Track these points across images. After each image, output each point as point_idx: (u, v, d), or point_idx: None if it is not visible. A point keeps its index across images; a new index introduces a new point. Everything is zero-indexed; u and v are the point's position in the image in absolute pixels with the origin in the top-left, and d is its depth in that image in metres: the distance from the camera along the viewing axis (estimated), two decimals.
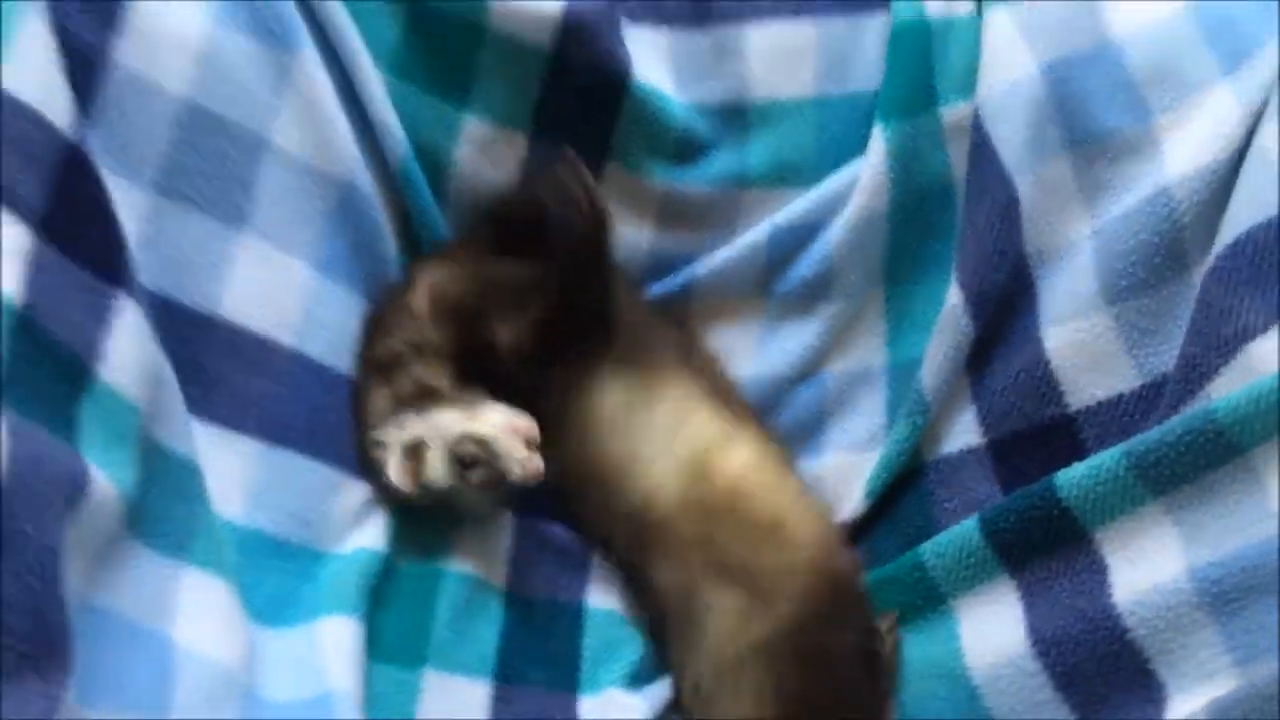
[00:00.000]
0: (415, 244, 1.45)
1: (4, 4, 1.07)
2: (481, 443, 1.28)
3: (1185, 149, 1.32)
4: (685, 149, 1.53)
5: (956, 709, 1.28)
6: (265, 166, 1.31)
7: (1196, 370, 1.23)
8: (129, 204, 1.20)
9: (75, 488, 0.97)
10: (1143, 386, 1.33)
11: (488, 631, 1.34)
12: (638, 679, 1.34)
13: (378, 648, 1.26)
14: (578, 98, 1.47)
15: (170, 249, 1.25)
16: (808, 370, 1.54)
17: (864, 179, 1.48)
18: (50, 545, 0.91)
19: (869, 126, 1.49)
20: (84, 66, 1.17)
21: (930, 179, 1.48)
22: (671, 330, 1.48)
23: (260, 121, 1.30)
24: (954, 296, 1.41)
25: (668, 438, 1.35)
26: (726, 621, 1.28)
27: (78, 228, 1.09)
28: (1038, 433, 1.38)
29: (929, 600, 1.34)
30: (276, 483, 1.28)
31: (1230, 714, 1.05)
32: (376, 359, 1.37)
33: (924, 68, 1.47)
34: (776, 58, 1.53)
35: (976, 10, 1.47)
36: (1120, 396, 1.33)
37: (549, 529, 1.42)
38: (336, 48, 1.37)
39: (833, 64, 1.53)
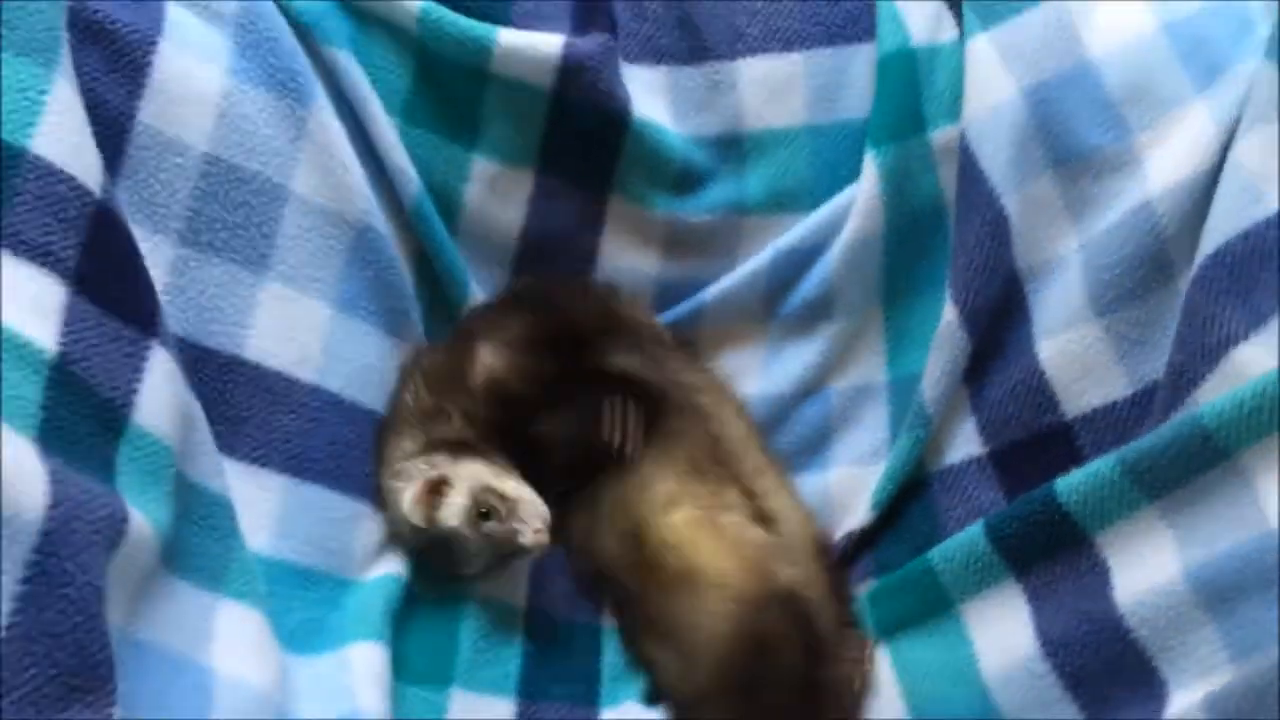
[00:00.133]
0: (432, 279, 1.51)
1: (33, 71, 1.13)
2: (505, 500, 1.33)
3: (1165, 164, 1.36)
4: (685, 180, 1.59)
5: (970, 711, 1.31)
6: (285, 213, 1.37)
7: (1184, 377, 1.27)
8: (156, 255, 1.26)
9: (115, 528, 1.02)
10: (1134, 394, 1.37)
11: (510, 651, 1.40)
12: (655, 695, 1.38)
13: (405, 670, 1.31)
14: (580, 134, 1.53)
15: (196, 296, 1.31)
16: (811, 388, 1.59)
17: (859, 202, 1.53)
18: (93, 583, 0.96)
19: (861, 152, 1.55)
20: (111, 127, 1.24)
21: (922, 200, 1.53)
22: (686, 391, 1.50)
23: (279, 171, 1.37)
24: (949, 313, 1.46)
25: (622, 507, 1.41)
26: (668, 675, 1.36)
27: (109, 281, 1.15)
28: (1036, 441, 1.42)
29: (939, 605, 1.38)
30: (302, 514, 1.34)
31: (1226, 707, 1.08)
32: (420, 407, 1.41)
33: (911, 94, 1.52)
34: (768, 89, 1.59)
35: (959, 37, 1.52)
36: (1114, 404, 1.38)
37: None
38: (349, 97, 1.44)
39: (822, 93, 1.59)
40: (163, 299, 1.22)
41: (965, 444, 1.47)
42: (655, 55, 1.59)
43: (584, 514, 1.42)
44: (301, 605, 1.30)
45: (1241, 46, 1.36)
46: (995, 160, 1.44)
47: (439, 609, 1.38)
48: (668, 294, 1.62)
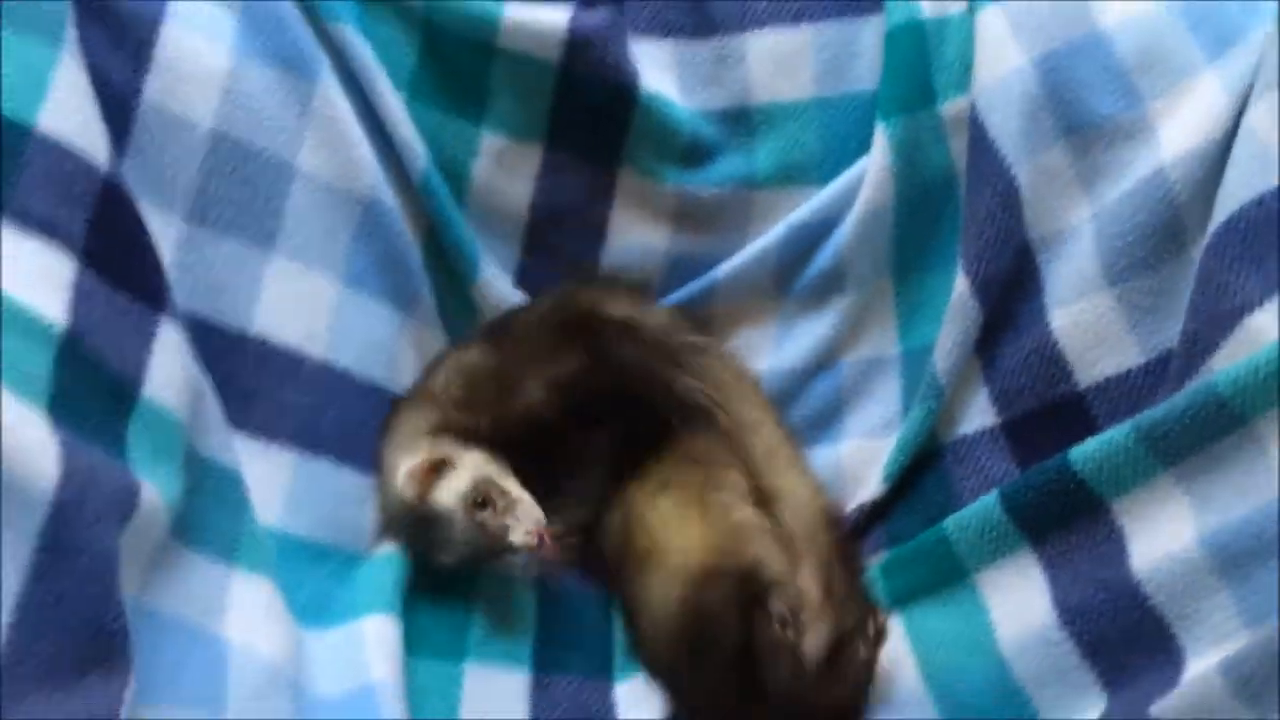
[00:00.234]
0: (440, 255, 1.51)
1: (40, 50, 1.13)
2: (504, 495, 1.32)
3: (1178, 132, 1.35)
4: (694, 153, 1.59)
5: (987, 680, 1.31)
6: (292, 189, 1.37)
7: (1198, 345, 1.27)
8: (164, 233, 1.27)
9: (127, 500, 1.02)
10: (1148, 362, 1.36)
11: (524, 624, 1.40)
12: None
13: (420, 644, 1.31)
14: (588, 108, 1.53)
15: (204, 273, 1.31)
16: (824, 361, 1.59)
17: (869, 175, 1.53)
18: (106, 554, 0.97)
19: (870, 125, 1.54)
20: (117, 104, 1.24)
21: (933, 172, 1.52)
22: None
23: (285, 147, 1.37)
24: (961, 284, 1.45)
25: (620, 496, 1.43)
26: (641, 652, 1.38)
27: (117, 256, 1.15)
28: (1050, 411, 1.42)
29: (953, 575, 1.37)
30: (311, 490, 1.35)
31: (1241, 670, 1.07)
32: (450, 396, 1.41)
33: (921, 66, 1.51)
34: (776, 62, 1.58)
35: (968, 9, 1.51)
36: (1128, 373, 1.37)
37: None
38: (355, 73, 1.43)
39: (831, 66, 1.59)
40: (170, 276, 1.22)
41: (978, 415, 1.47)
42: (663, 29, 1.59)
43: (588, 509, 1.44)
44: (312, 580, 1.31)
45: (1252, 15, 1.35)
46: (1006, 130, 1.43)
47: (452, 583, 1.38)
48: (679, 269, 1.62)
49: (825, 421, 1.58)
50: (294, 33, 1.38)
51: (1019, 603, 1.32)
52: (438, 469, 1.32)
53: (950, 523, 1.38)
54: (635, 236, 1.60)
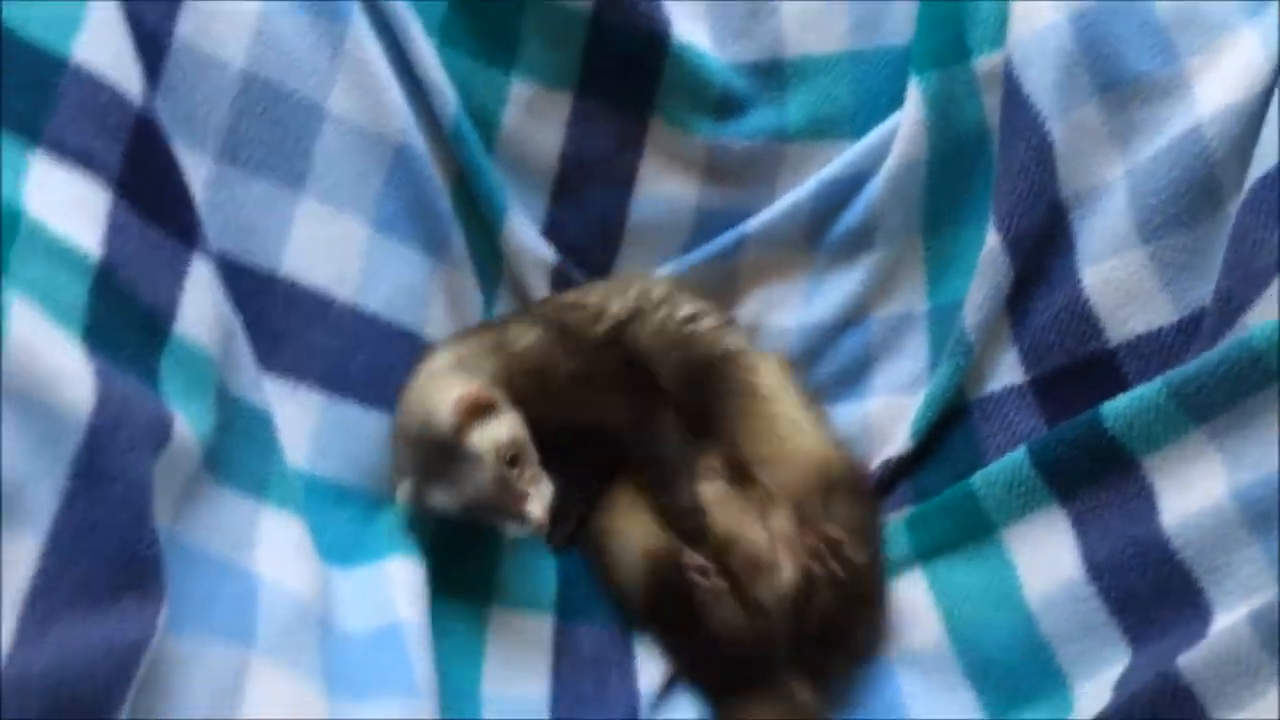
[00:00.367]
0: (469, 202, 1.50)
1: None
2: (533, 466, 1.29)
3: (1215, 89, 1.34)
4: (725, 105, 1.57)
5: (1012, 635, 1.31)
6: (322, 131, 1.36)
7: (1232, 302, 1.26)
8: (195, 171, 1.26)
9: (161, 429, 1.02)
10: (1181, 320, 1.35)
11: (548, 572, 1.40)
12: None
13: (446, 587, 1.31)
14: (620, 57, 1.52)
15: (234, 213, 1.30)
16: (852, 317, 1.58)
17: (903, 129, 1.52)
18: (140, 481, 0.97)
19: (903, 79, 1.53)
20: (150, 42, 1.23)
21: (966, 127, 1.51)
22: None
23: (316, 89, 1.36)
24: (992, 239, 1.44)
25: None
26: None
27: (151, 191, 1.15)
28: (1080, 368, 1.41)
29: (980, 529, 1.37)
30: (338, 433, 1.34)
31: (1269, 619, 1.08)
32: (521, 360, 1.38)
33: (955, 20, 1.50)
34: (809, 15, 1.58)
35: None
36: (1159, 330, 1.36)
37: None
38: (387, 18, 1.42)
39: (864, 20, 1.58)
40: (201, 215, 1.22)
41: (1006, 372, 1.46)
42: None
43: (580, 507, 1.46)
44: (338, 521, 1.30)
45: None
46: (1041, 85, 1.42)
47: (478, 528, 1.38)
48: (707, 222, 1.61)
49: (853, 377, 1.58)
50: None
51: (1046, 558, 1.32)
52: (485, 410, 1.28)
53: (978, 478, 1.38)
54: (664, 188, 1.58)
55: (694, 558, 1.34)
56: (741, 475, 1.42)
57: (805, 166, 1.59)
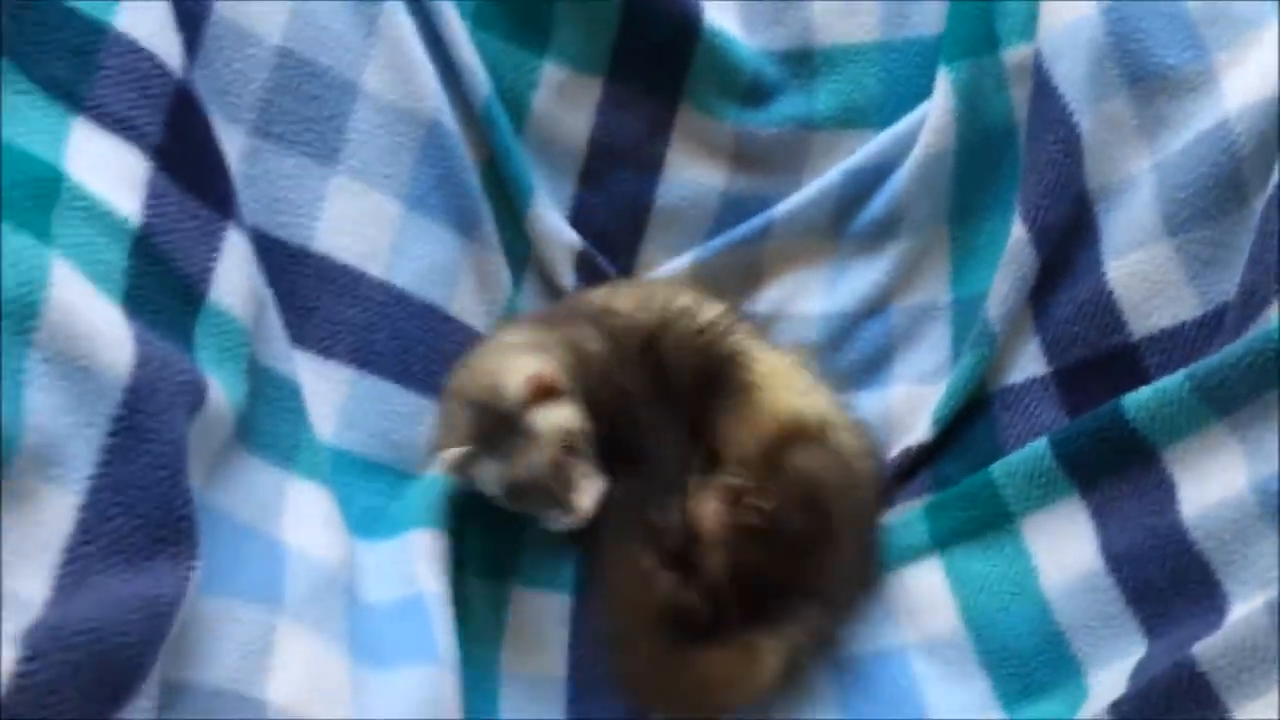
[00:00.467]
0: (497, 184, 1.51)
1: None
2: (588, 460, 1.28)
3: (1243, 84, 1.35)
4: (754, 92, 1.59)
5: (1028, 623, 1.32)
6: (356, 108, 1.38)
7: (1256, 296, 1.27)
8: (229, 144, 1.27)
9: (196, 392, 1.04)
10: (1204, 314, 1.36)
11: (567, 552, 1.40)
12: None
13: (470, 563, 1.33)
14: (651, 43, 1.54)
15: (267, 187, 1.32)
16: (875, 306, 1.59)
17: (931, 119, 1.53)
18: (176, 441, 0.99)
19: (931, 70, 1.54)
20: (188, 15, 1.24)
21: (994, 119, 1.52)
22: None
23: (350, 67, 1.38)
24: (1018, 230, 1.44)
25: None
26: None
27: (189, 160, 1.17)
28: (1102, 361, 1.41)
29: (998, 518, 1.38)
30: (366, 406, 1.36)
31: None
32: (593, 362, 1.36)
33: (985, 12, 1.50)
34: (840, 5, 1.59)
35: None
36: (1183, 324, 1.37)
37: None
38: None
39: (894, 10, 1.59)
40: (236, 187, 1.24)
41: (1029, 363, 1.47)
42: None
43: None
44: (364, 494, 1.32)
45: None
46: (1070, 78, 1.42)
47: (500, 507, 1.39)
48: (733, 208, 1.62)
49: (875, 366, 1.58)
50: None
51: (1064, 548, 1.33)
52: (553, 394, 1.27)
53: (998, 467, 1.39)
54: (692, 173, 1.60)
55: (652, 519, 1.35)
56: (715, 461, 1.41)
57: (832, 155, 1.60)
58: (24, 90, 1.06)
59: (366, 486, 1.33)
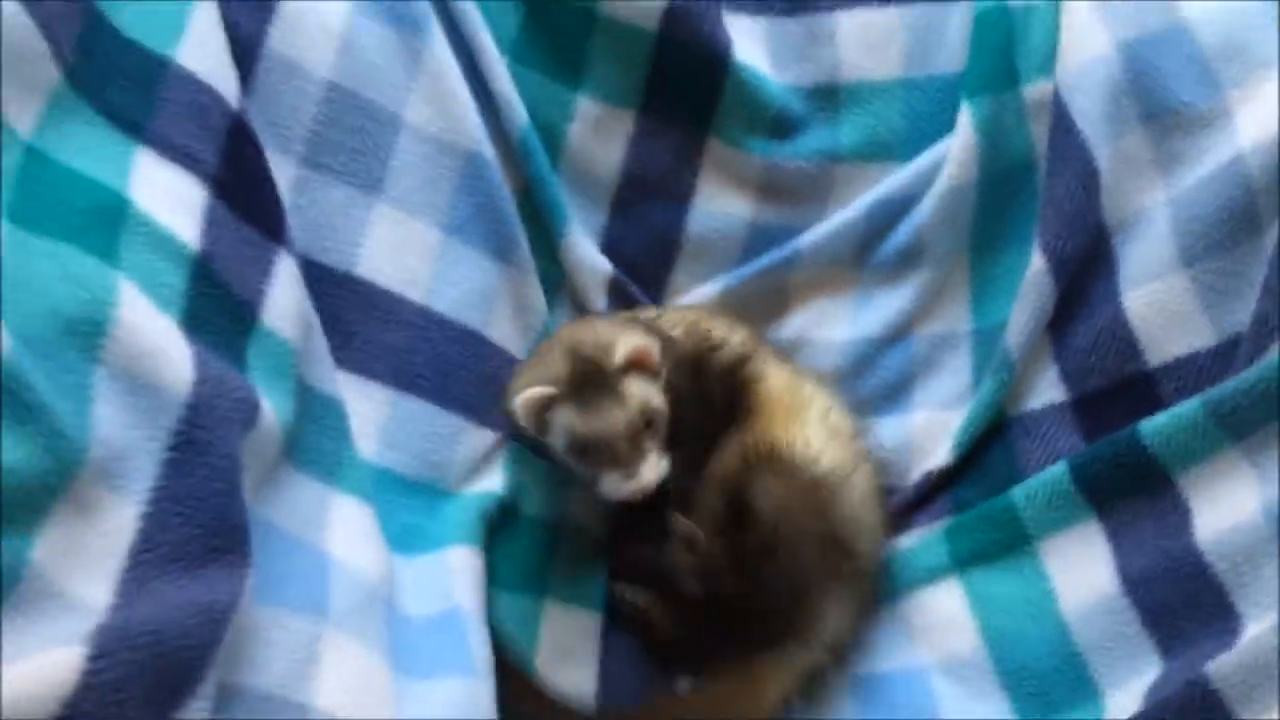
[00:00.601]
0: (532, 214, 1.56)
1: None
2: (660, 442, 1.34)
3: (1256, 120, 1.39)
4: (781, 126, 1.63)
5: (1047, 644, 1.36)
6: (399, 140, 1.43)
7: (1269, 325, 1.31)
8: (279, 174, 1.33)
9: (250, 409, 1.09)
10: (1219, 343, 1.39)
11: (599, 571, 1.46)
12: None
13: (503, 580, 1.37)
14: (682, 78, 1.58)
15: (315, 215, 1.37)
16: (898, 334, 1.62)
17: (953, 153, 1.57)
18: (232, 455, 1.04)
19: (953, 106, 1.58)
20: (243, 50, 1.31)
21: (1014, 153, 1.56)
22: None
23: (394, 100, 1.43)
24: (1038, 261, 1.48)
25: None
26: None
27: (243, 189, 1.23)
28: (1119, 389, 1.45)
29: (1017, 541, 1.42)
30: (406, 427, 1.40)
31: None
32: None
33: (1006, 49, 1.55)
34: (865, 42, 1.64)
35: None
36: (1197, 354, 1.40)
37: None
38: (463, 34, 1.49)
39: (918, 48, 1.63)
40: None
41: (1047, 390, 1.50)
42: (756, 6, 1.65)
43: None
44: (404, 512, 1.36)
45: None
46: (1088, 114, 1.47)
47: (538, 528, 1.45)
48: (759, 238, 1.66)
49: (897, 392, 1.62)
50: None
51: (1082, 570, 1.36)
52: (651, 372, 1.34)
53: (1018, 491, 1.43)
54: (720, 204, 1.64)
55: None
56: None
57: (856, 187, 1.64)
58: (91, 121, 1.12)
59: (406, 504, 1.37)
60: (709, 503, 1.40)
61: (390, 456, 1.39)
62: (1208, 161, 1.42)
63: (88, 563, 0.94)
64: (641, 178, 1.62)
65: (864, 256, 1.64)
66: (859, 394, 1.61)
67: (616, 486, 1.32)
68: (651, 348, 1.34)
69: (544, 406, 1.33)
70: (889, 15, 1.63)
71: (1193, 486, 1.30)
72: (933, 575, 1.47)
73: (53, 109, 1.09)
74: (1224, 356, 1.38)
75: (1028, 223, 1.54)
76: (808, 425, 1.44)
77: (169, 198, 1.13)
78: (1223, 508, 1.26)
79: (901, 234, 1.62)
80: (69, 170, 1.08)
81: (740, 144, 1.63)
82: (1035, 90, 1.53)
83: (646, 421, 1.32)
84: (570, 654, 1.40)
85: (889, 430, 1.59)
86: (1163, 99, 1.45)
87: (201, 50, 1.22)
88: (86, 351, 0.99)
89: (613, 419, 1.31)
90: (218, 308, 1.15)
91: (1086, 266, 1.49)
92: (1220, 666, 1.15)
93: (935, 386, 1.61)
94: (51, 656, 0.87)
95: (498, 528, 1.40)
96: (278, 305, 1.22)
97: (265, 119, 1.33)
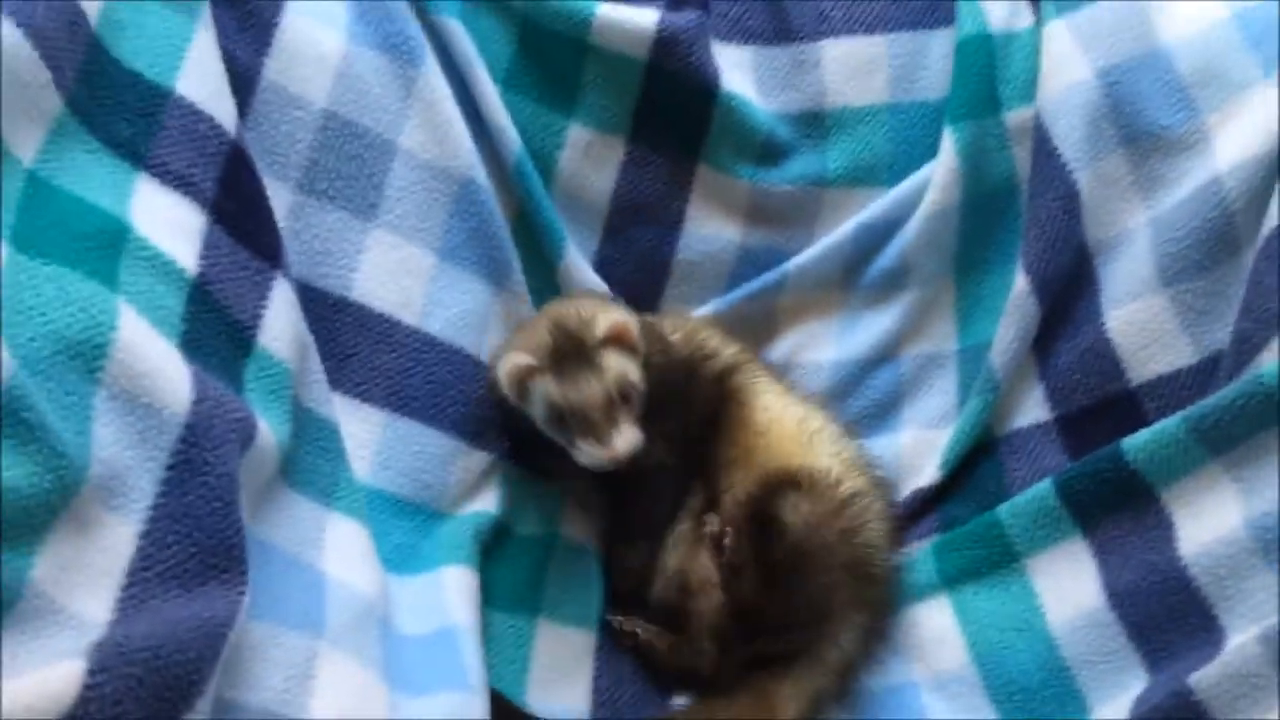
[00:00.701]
0: (527, 239, 1.58)
1: (180, 20, 1.24)
2: (634, 413, 1.36)
3: (1234, 143, 1.42)
4: (769, 152, 1.66)
5: (1035, 659, 1.37)
6: (394, 166, 1.46)
7: (1249, 344, 1.33)
8: (276, 199, 1.35)
9: (247, 430, 1.11)
10: (1200, 361, 1.42)
11: (592, 590, 1.47)
12: None
13: (496, 599, 1.39)
14: (671, 105, 1.61)
15: (310, 240, 1.40)
16: (885, 355, 1.65)
17: (937, 177, 1.60)
18: (230, 474, 1.05)
19: (937, 131, 1.62)
20: (240, 80, 1.34)
21: (997, 177, 1.59)
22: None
23: (389, 127, 1.46)
24: (1021, 282, 1.52)
25: None
26: None
27: (241, 214, 1.25)
28: (1102, 406, 1.48)
29: (1005, 558, 1.44)
30: (400, 448, 1.42)
31: (1277, 639, 1.14)
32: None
33: (988, 76, 1.58)
34: (851, 70, 1.67)
35: (1035, 23, 1.59)
36: (1179, 372, 1.43)
37: None
38: (456, 63, 1.52)
39: (903, 74, 1.67)
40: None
41: (1033, 409, 1.53)
42: (744, 35, 1.67)
43: None
44: (398, 532, 1.38)
45: None
46: (1069, 138, 1.50)
47: (531, 547, 1.46)
48: (751, 262, 1.68)
49: (884, 412, 1.65)
50: (401, 22, 1.47)
51: (1069, 586, 1.38)
52: (630, 349, 1.38)
53: (1004, 509, 1.45)
54: (709, 229, 1.67)
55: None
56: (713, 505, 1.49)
57: (842, 211, 1.67)
58: (92, 149, 1.14)
59: (400, 524, 1.39)
60: (732, 516, 1.43)
61: (384, 477, 1.40)
62: (1186, 183, 1.45)
63: (87, 580, 0.96)
64: (632, 203, 1.64)
65: (851, 279, 1.67)
66: (848, 414, 1.63)
67: (591, 455, 1.34)
68: (631, 324, 1.38)
69: (525, 376, 1.37)
70: (874, 43, 1.66)
71: (1176, 501, 1.32)
72: (922, 592, 1.48)
73: (54, 137, 1.11)
74: (1204, 374, 1.41)
75: (1011, 244, 1.57)
76: (822, 457, 1.47)
77: (168, 223, 1.16)
78: (1205, 522, 1.28)
79: (888, 257, 1.64)
80: (70, 196, 1.10)
81: (729, 170, 1.66)
82: (1017, 116, 1.57)
83: (623, 395, 1.36)
84: (564, 673, 1.41)
85: (878, 449, 1.60)
86: (1142, 123, 1.49)
87: (200, 80, 1.24)
88: (87, 373, 1.01)
89: (590, 390, 1.34)
90: (215, 331, 1.17)
91: (1069, 287, 1.52)
92: (1203, 678, 1.17)
93: (923, 406, 1.64)
94: (51, 671, 0.89)
95: (491, 547, 1.42)
96: (274, 328, 1.24)
97: (263, 146, 1.36)
